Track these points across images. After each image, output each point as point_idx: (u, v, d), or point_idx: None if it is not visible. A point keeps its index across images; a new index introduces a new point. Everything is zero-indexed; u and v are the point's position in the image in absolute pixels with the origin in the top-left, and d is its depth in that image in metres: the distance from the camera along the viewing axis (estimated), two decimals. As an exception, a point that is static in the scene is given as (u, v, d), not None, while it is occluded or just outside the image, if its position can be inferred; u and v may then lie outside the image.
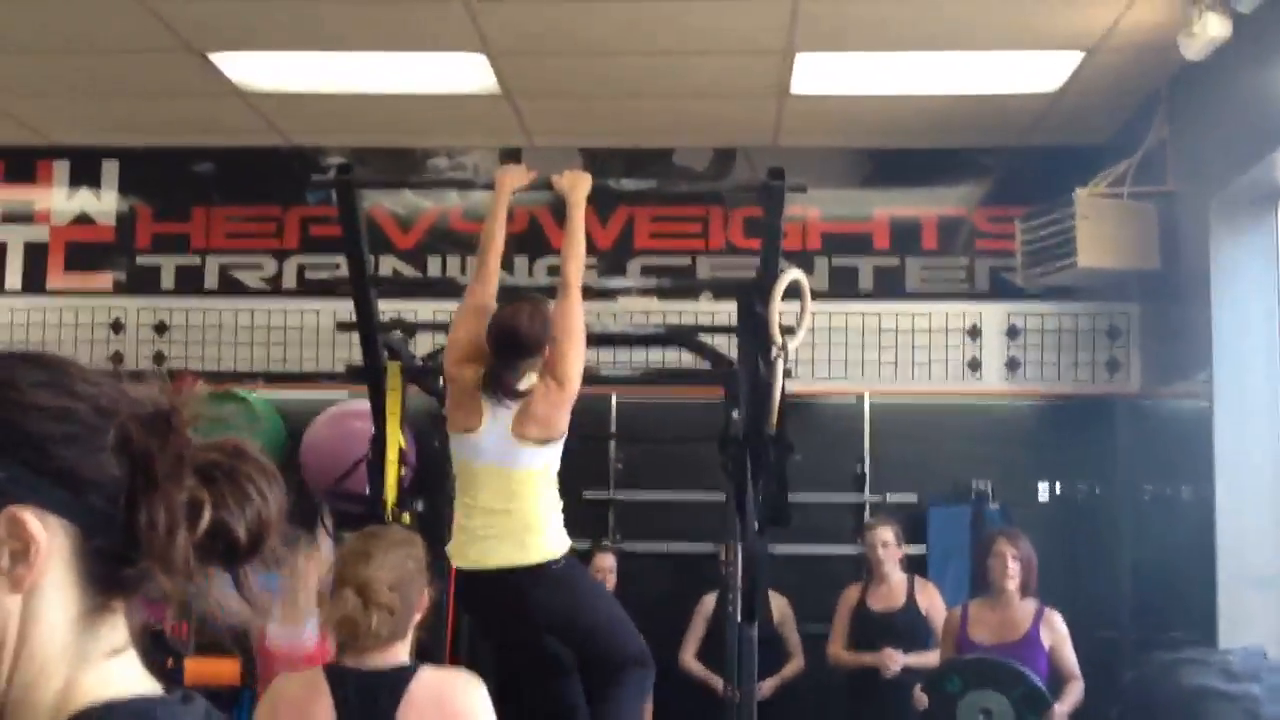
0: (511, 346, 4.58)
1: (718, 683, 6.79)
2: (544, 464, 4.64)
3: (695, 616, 7.29)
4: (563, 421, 4.63)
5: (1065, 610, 6.22)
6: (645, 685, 4.82)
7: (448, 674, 3.45)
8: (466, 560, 4.69)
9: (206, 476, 1.19)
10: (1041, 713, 5.78)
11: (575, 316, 4.64)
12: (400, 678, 3.22)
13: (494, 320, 4.64)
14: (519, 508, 4.61)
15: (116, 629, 1.21)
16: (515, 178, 5.07)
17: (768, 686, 6.73)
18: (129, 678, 1.20)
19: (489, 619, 4.87)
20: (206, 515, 1.17)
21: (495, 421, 4.60)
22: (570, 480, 4.85)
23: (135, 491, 1.16)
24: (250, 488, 1.21)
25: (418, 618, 3.33)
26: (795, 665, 7.16)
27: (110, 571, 1.17)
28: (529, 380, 4.62)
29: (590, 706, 4.77)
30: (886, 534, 6.87)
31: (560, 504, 4.72)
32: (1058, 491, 7.79)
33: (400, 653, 3.29)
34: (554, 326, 4.61)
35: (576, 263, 4.74)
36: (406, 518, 5.49)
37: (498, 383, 4.58)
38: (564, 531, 4.70)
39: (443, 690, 3.24)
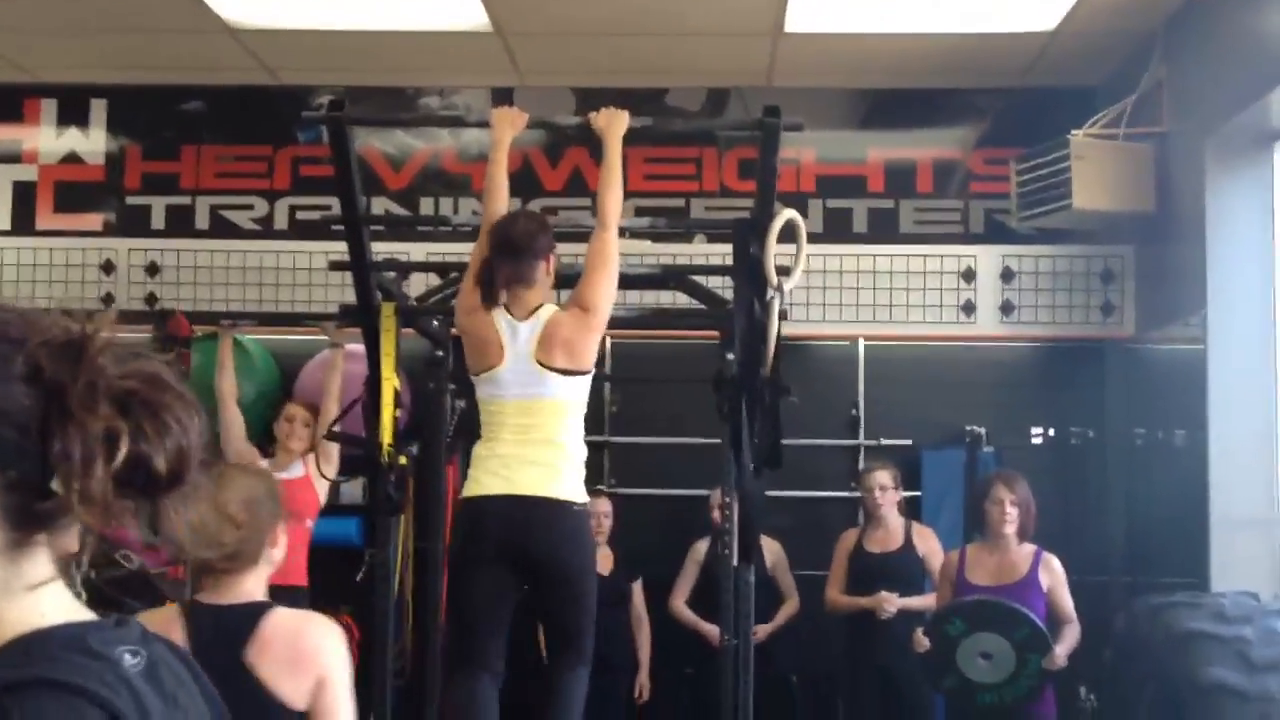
0: (504, 245, 4.64)
1: (708, 628, 6.79)
2: (570, 396, 4.63)
3: (687, 562, 7.28)
4: (589, 353, 4.65)
5: (1058, 554, 6.21)
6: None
7: (303, 615, 3.27)
8: (484, 488, 4.60)
9: (123, 406, 1.15)
10: (1042, 655, 5.80)
11: (609, 248, 4.71)
12: (251, 614, 3.08)
13: (492, 228, 4.71)
14: (546, 438, 4.59)
15: (39, 562, 1.18)
16: (513, 124, 5.03)
17: (763, 631, 6.73)
18: (58, 607, 1.18)
19: (488, 554, 4.60)
20: (124, 447, 1.14)
21: (516, 351, 4.60)
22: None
23: (49, 422, 1.13)
24: (169, 418, 1.18)
25: (274, 552, 3.21)
26: (791, 606, 7.17)
27: (26, 505, 1.15)
28: (537, 298, 4.67)
29: (550, 687, 4.72)
30: (884, 477, 6.87)
31: (585, 455, 4.71)
32: (1051, 435, 7.79)
33: (252, 586, 3.16)
34: (587, 258, 4.72)
35: (615, 198, 4.79)
36: (403, 460, 5.46)
37: (492, 278, 4.63)
38: (584, 486, 4.69)
39: (296, 630, 3.08)
